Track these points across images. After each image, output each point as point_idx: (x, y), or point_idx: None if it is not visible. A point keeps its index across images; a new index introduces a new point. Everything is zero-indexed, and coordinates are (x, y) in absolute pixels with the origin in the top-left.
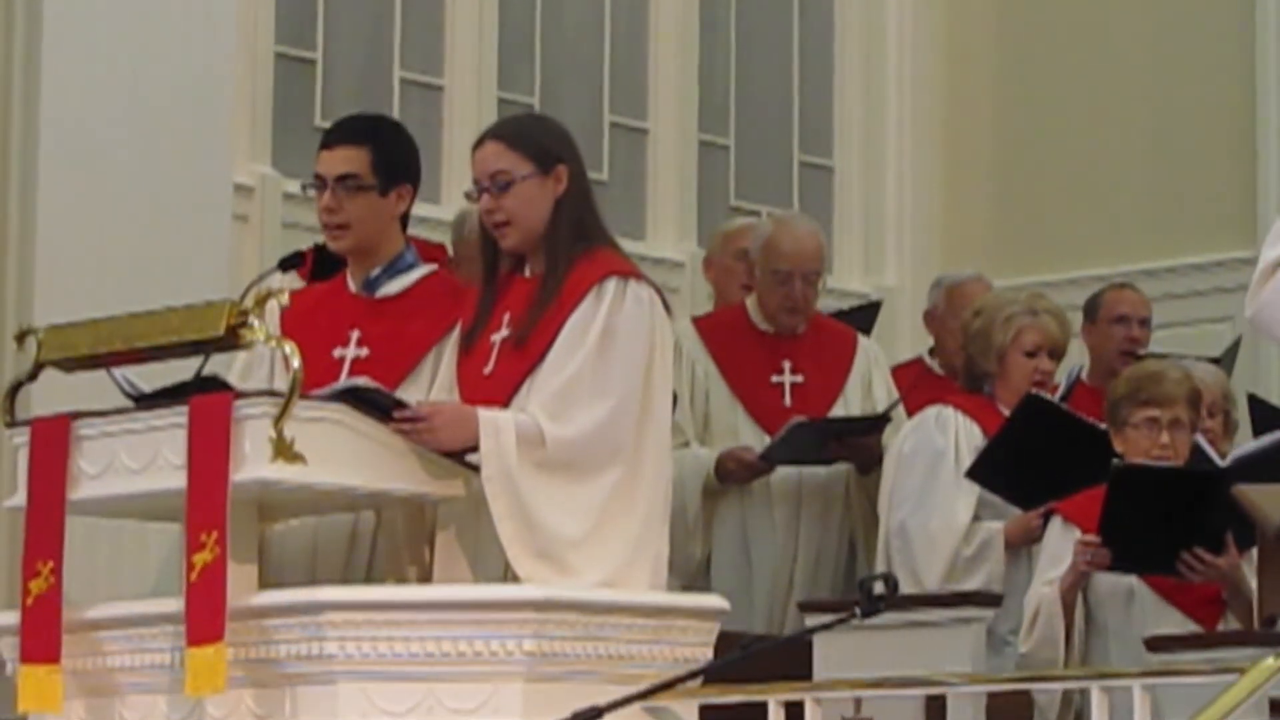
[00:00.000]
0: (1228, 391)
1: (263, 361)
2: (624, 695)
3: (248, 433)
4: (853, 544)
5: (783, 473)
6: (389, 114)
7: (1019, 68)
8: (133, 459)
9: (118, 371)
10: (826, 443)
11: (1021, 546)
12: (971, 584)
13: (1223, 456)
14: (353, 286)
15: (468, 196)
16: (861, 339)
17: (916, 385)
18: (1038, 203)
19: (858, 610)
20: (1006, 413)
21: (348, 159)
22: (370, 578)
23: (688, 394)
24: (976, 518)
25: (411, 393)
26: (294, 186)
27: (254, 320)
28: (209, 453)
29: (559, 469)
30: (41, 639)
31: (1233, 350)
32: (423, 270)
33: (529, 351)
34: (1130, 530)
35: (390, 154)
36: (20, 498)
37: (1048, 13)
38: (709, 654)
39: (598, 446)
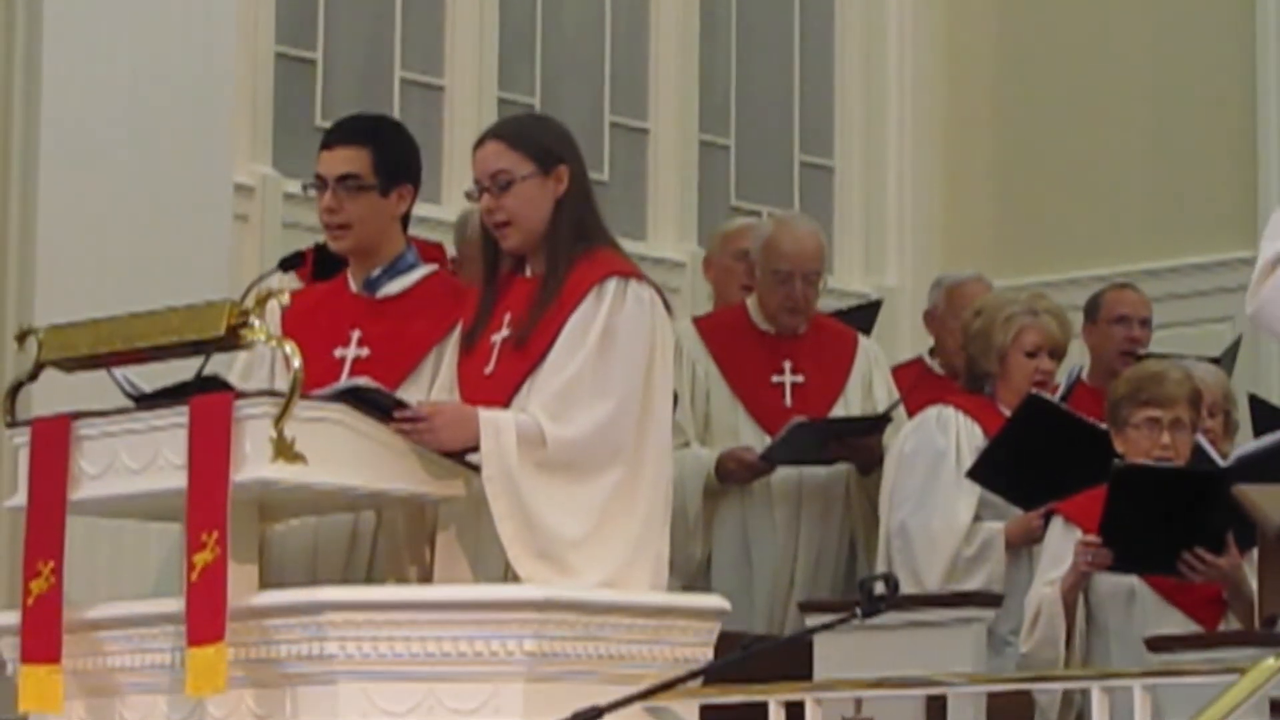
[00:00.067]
0: (1228, 391)
1: (263, 361)
2: (624, 695)
3: (248, 433)
4: (853, 544)
5: (783, 473)
6: (389, 114)
7: (1019, 68)
8: (133, 459)
9: (118, 371)
10: (827, 443)
11: (1022, 547)
12: (972, 584)
13: (1223, 456)
14: (354, 286)
15: (468, 196)
16: (862, 339)
17: (917, 385)
18: (1038, 202)
19: (858, 610)
20: (1007, 413)
21: (348, 159)
22: (371, 578)
23: (688, 394)
24: (977, 518)
25: (412, 393)
26: (294, 186)
27: (254, 320)
28: (209, 453)
29: (560, 469)
30: (42, 639)
31: (1233, 350)
32: (423, 270)
33: (529, 352)
34: (1131, 530)
35: (391, 154)
36: (21, 498)
37: (1048, 13)
38: (709, 654)
39: (598, 447)
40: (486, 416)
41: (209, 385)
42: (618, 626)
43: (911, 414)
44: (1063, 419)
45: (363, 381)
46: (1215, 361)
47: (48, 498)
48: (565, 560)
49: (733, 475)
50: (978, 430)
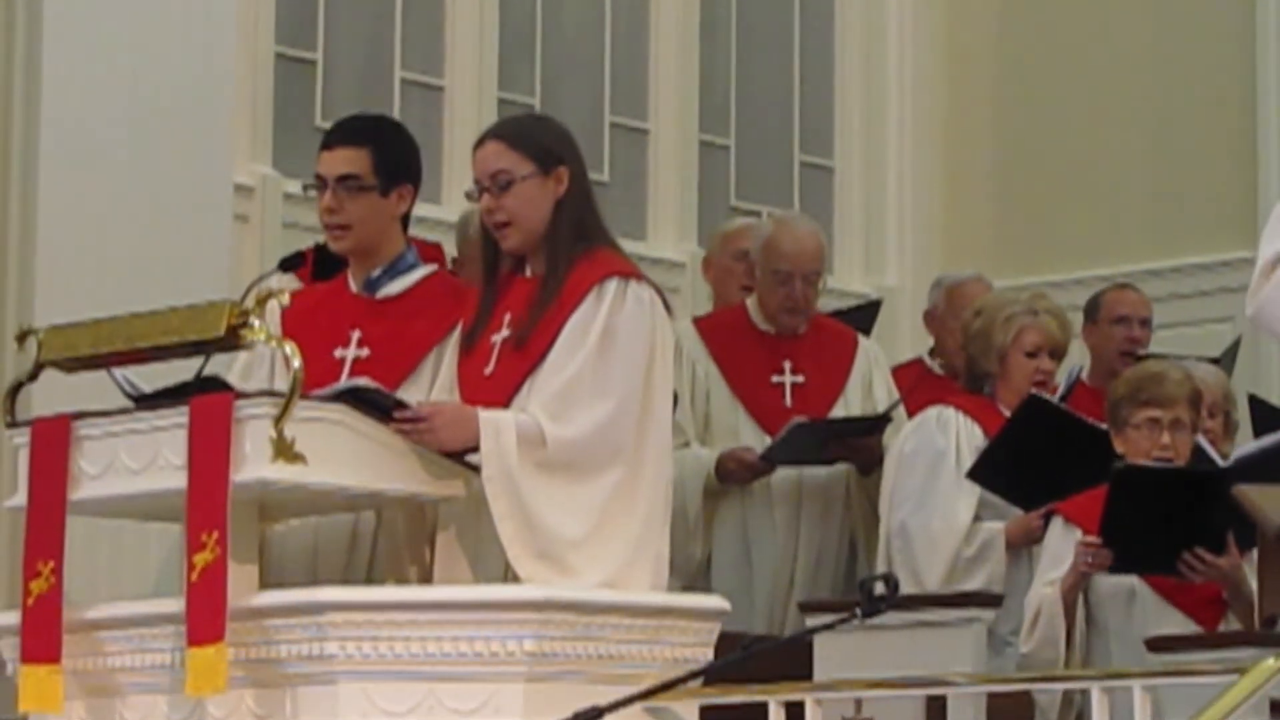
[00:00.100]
0: (1228, 392)
1: (263, 362)
2: (625, 695)
3: (248, 433)
4: (853, 544)
5: (783, 473)
6: (389, 114)
7: (1019, 68)
8: (133, 459)
9: (118, 371)
10: (827, 443)
11: (1022, 547)
12: (972, 584)
13: (1223, 457)
14: (354, 287)
15: (468, 196)
16: (862, 339)
17: (917, 385)
18: (1038, 202)
19: (858, 611)
20: (1007, 413)
21: (348, 159)
22: (371, 578)
23: (688, 394)
24: (977, 518)
25: (412, 393)
26: (294, 186)
27: (254, 320)
28: (209, 453)
29: (560, 469)
30: (42, 639)
31: (1233, 350)
32: (424, 271)
33: (529, 352)
34: (1131, 531)
35: (391, 154)
36: (21, 498)
37: (1048, 13)
38: (709, 654)
39: (598, 447)
40: (486, 417)
41: (209, 385)
42: (618, 627)
43: (911, 414)
44: (1063, 419)
45: (363, 382)
46: (1215, 362)
47: (48, 498)
48: (565, 560)
49: (733, 475)
50: (978, 430)
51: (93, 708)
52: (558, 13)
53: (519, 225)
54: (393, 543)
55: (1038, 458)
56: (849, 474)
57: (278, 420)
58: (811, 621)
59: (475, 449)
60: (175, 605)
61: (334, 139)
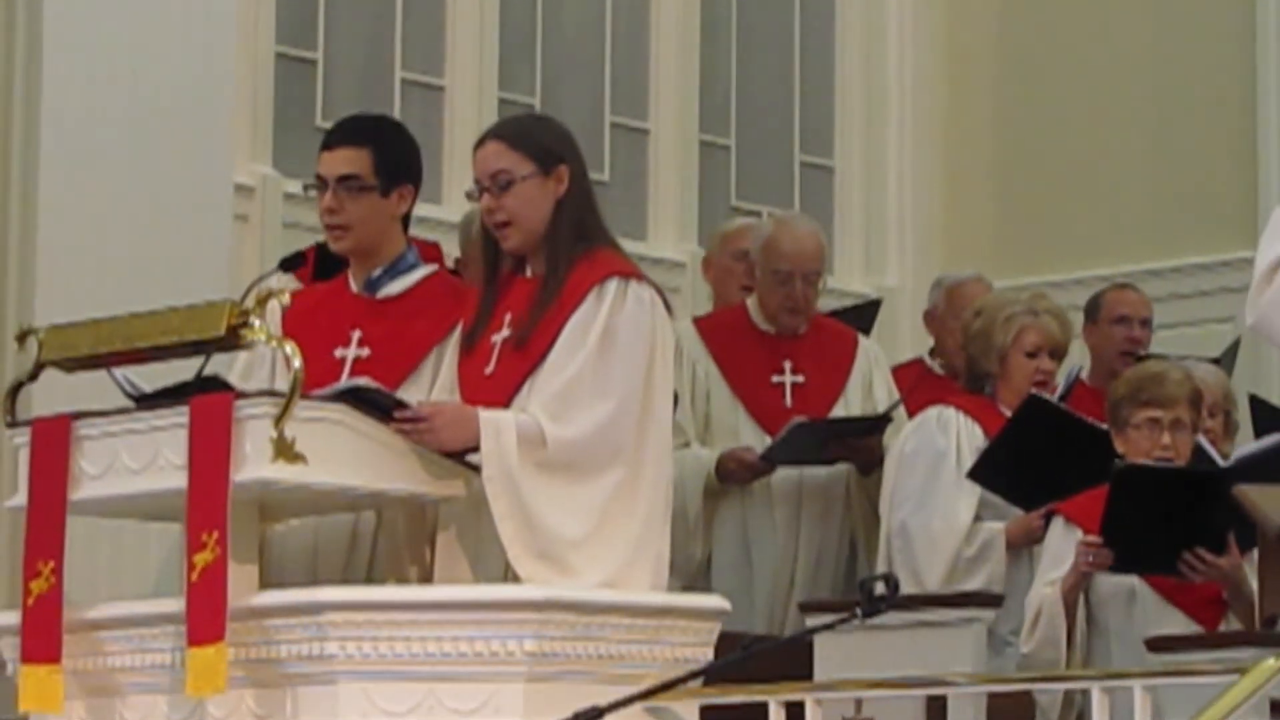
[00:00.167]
0: (1229, 392)
1: (264, 362)
2: (625, 695)
3: (248, 433)
4: (853, 544)
5: (783, 473)
6: (389, 114)
7: (1019, 68)
8: (133, 459)
9: (118, 371)
10: (827, 443)
11: (1023, 547)
12: (973, 584)
13: (1224, 457)
14: (354, 287)
15: (468, 196)
16: (862, 339)
17: (917, 386)
18: (1039, 202)
19: (858, 611)
20: (1008, 413)
21: (349, 160)
22: (371, 578)
23: (688, 394)
24: (978, 518)
25: (412, 393)
26: (294, 186)
27: (255, 320)
28: (210, 453)
29: (560, 469)
30: (42, 639)
31: (1232, 350)
32: (424, 271)
33: (530, 352)
34: (1132, 531)
35: (391, 154)
36: (21, 498)
37: (1048, 13)
38: (710, 654)
39: (599, 447)
40: (487, 417)
41: (209, 385)
42: (618, 627)
43: (911, 414)
44: (1063, 419)
45: (363, 381)
46: (1215, 362)
47: (48, 498)
48: (565, 560)
49: (733, 475)
50: (978, 430)
51: (93, 708)
52: (558, 13)
53: (519, 225)
54: (393, 543)
55: (1038, 458)
56: (849, 474)
57: (278, 420)
58: (811, 621)
59: (475, 449)
60: (175, 605)
61: (334, 139)
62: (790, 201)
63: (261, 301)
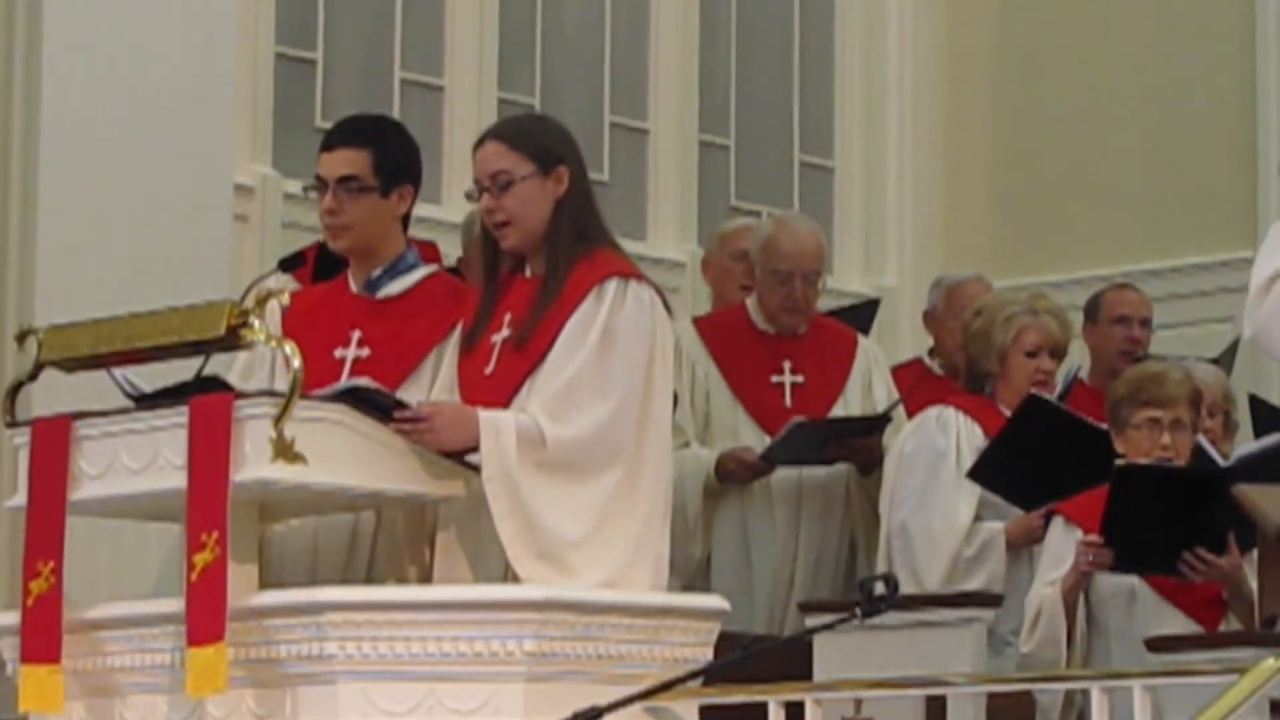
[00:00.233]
0: (1228, 392)
1: (263, 362)
2: (624, 695)
3: (248, 433)
4: (853, 544)
5: (783, 473)
6: (389, 114)
7: (1019, 68)
8: (133, 459)
9: (118, 371)
10: (827, 443)
11: (1023, 547)
12: (972, 584)
13: (1224, 457)
14: (354, 287)
15: (468, 197)
16: (862, 339)
17: (917, 385)
18: (1038, 202)
19: (858, 611)
20: (1008, 413)
21: (349, 160)
22: (371, 578)
23: (688, 394)
24: (978, 518)
25: (412, 393)
26: (294, 187)
27: (254, 320)
28: (209, 453)
29: (560, 469)
30: (42, 639)
31: (1232, 350)
32: (424, 271)
33: (530, 352)
34: (1132, 530)
35: (391, 155)
36: (21, 498)
37: (1048, 13)
38: (709, 654)
39: (598, 447)
40: (486, 417)
41: (209, 385)
42: (617, 627)
43: (911, 414)
44: (1063, 419)
45: (363, 382)
46: (1215, 362)
47: (48, 498)
48: (565, 560)
49: (733, 475)
50: (978, 430)
51: (93, 708)
52: (558, 13)
53: (519, 225)
54: (393, 543)
55: (1038, 458)
56: (849, 474)
57: (278, 420)
58: (811, 621)
59: (475, 449)
60: (175, 605)
61: (334, 140)
62: (790, 201)
63: (261, 301)
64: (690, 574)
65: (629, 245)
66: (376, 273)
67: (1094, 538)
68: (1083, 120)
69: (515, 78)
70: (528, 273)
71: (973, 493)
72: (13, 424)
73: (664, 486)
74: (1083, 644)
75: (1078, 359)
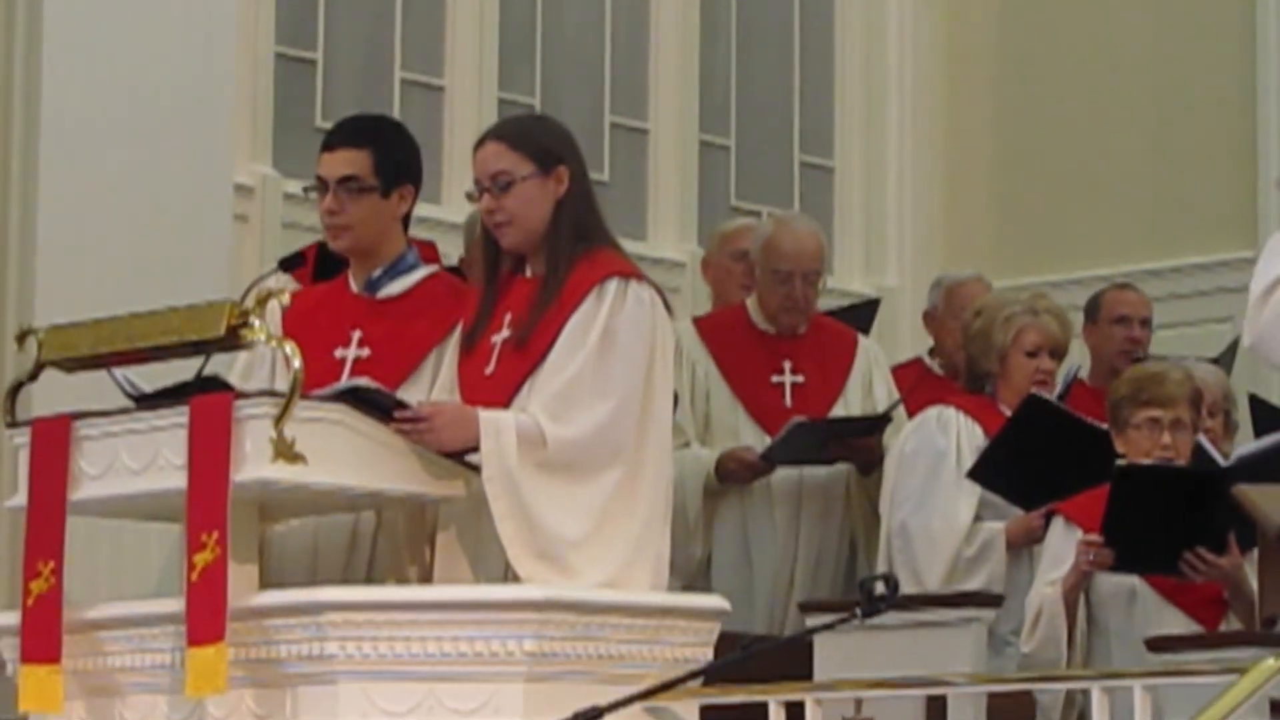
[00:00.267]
0: (1228, 392)
1: (264, 362)
2: (624, 695)
3: (248, 433)
4: (853, 544)
5: (783, 473)
6: (390, 115)
7: (1019, 68)
8: (133, 459)
9: (118, 371)
10: (827, 443)
11: (1023, 547)
12: (973, 584)
13: (1224, 457)
14: (354, 287)
15: (469, 197)
16: (862, 339)
17: (917, 385)
18: (1038, 202)
19: (858, 611)
20: (1008, 413)
21: (349, 161)
22: (371, 578)
23: (688, 394)
24: (978, 518)
25: (412, 393)
26: (294, 187)
27: (255, 320)
28: (210, 453)
29: (560, 469)
30: (42, 639)
31: (1231, 350)
32: (424, 271)
33: (530, 352)
34: (1133, 530)
35: (392, 155)
36: (21, 498)
37: (1048, 13)
38: (709, 654)
39: (598, 447)
40: (486, 417)
41: (209, 385)
42: (617, 627)
43: (911, 414)
44: (1063, 419)
45: (363, 382)
46: (1215, 362)
47: (48, 498)
48: (565, 560)
49: (733, 475)
50: (978, 430)
51: (93, 708)
52: (558, 13)
53: (519, 225)
54: (393, 543)
55: (1038, 458)
56: (849, 474)
57: (278, 420)
58: (811, 621)
59: (475, 449)
60: (175, 605)
61: (335, 140)
62: (790, 201)
63: (261, 302)
64: (690, 574)
65: (629, 245)
66: (377, 273)
67: (1094, 538)
68: (1083, 120)
69: (515, 78)
70: (528, 273)
71: (973, 493)
72: (13, 424)
73: (664, 486)
74: (1083, 644)
75: (1078, 359)
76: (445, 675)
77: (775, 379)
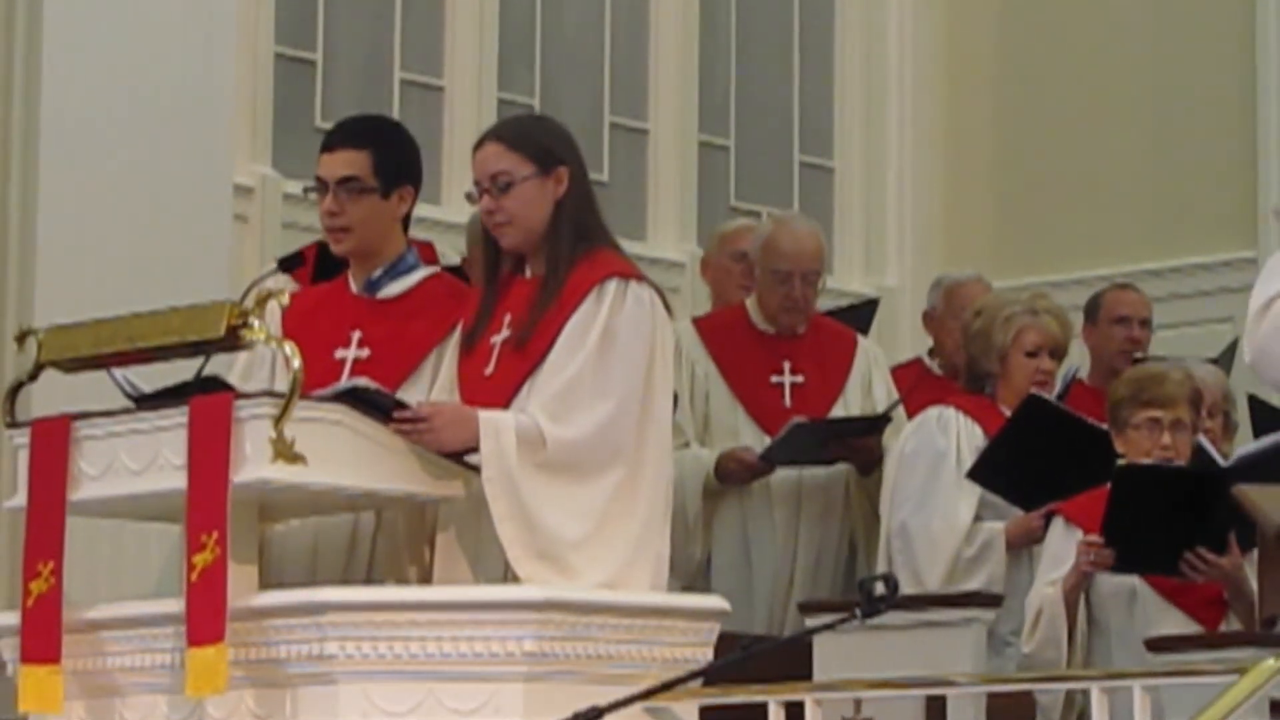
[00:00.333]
0: (1228, 392)
1: (263, 362)
2: (624, 696)
3: (248, 433)
4: (853, 544)
5: (783, 473)
6: (389, 115)
7: (1019, 68)
8: (133, 460)
9: (118, 372)
10: (826, 443)
11: (1023, 547)
12: (973, 584)
13: (1224, 457)
14: (354, 287)
15: (468, 198)
16: (861, 339)
17: (917, 386)
18: (1038, 202)
19: (858, 611)
20: (1008, 413)
21: (349, 162)
22: (370, 578)
23: (688, 395)
24: (978, 518)
25: (412, 394)
26: (294, 187)
27: (254, 321)
28: (209, 453)
29: (560, 470)
30: (42, 639)
31: (1231, 350)
32: (424, 271)
33: (530, 353)
34: (1133, 531)
35: (391, 156)
36: (21, 498)
37: (1048, 13)
38: (709, 655)
39: (598, 448)
40: (486, 417)
41: (209, 385)
42: (617, 627)
43: (911, 414)
44: (1063, 419)
45: (363, 382)
46: (1214, 362)
47: (48, 498)
48: (565, 561)
49: (732, 475)
50: (978, 430)
51: (93, 708)
52: (558, 13)
53: (519, 226)
54: (393, 543)
55: (1038, 458)
56: (849, 474)
57: (278, 420)
58: (811, 621)
59: (475, 449)
60: (175, 605)
61: (334, 141)
62: (790, 201)
63: (261, 302)
64: (690, 574)
65: (629, 245)
66: (377, 273)
67: (1095, 538)
68: (1083, 120)
69: (515, 78)
70: (528, 273)
71: (973, 493)
72: (13, 424)
73: (664, 487)
74: (1083, 644)
75: (1078, 359)
76: (445, 675)
77: (775, 379)
